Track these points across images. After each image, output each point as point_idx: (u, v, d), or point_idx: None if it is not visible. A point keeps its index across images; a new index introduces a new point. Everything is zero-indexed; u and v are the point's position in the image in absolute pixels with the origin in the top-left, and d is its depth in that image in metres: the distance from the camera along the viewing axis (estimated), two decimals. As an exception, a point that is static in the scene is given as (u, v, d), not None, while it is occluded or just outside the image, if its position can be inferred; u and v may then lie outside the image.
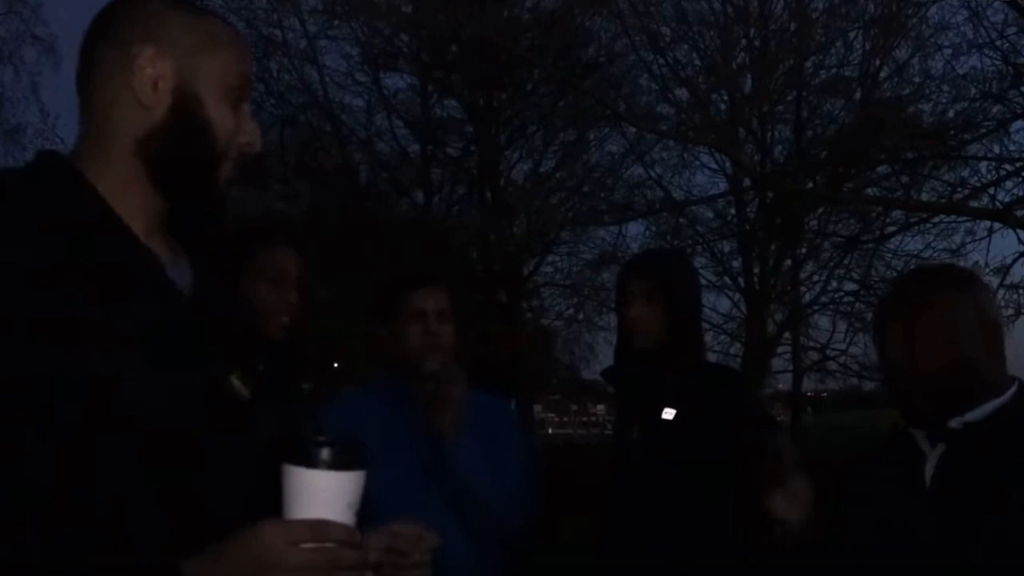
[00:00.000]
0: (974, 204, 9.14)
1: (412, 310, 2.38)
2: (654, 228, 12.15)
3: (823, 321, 12.53)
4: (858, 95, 10.60)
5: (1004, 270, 8.92)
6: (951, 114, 9.84)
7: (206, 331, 1.24)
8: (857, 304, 11.81)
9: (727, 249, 12.21)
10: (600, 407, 19.24)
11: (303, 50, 12.57)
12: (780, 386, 14.60)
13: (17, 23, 13.32)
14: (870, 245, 11.33)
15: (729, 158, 10.89)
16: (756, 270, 11.75)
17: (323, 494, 1.11)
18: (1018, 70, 8.99)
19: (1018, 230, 8.40)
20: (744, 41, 10.24)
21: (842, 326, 12.13)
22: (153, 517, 1.12)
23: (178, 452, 1.15)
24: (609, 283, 11.37)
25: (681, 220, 12.08)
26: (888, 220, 11.06)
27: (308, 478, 1.10)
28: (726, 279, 12.20)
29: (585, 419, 23.06)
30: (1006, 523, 1.61)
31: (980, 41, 9.07)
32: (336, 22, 11.70)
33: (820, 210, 11.41)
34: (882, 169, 10.71)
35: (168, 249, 1.27)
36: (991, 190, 9.09)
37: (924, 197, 10.03)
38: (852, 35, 10.29)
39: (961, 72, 9.64)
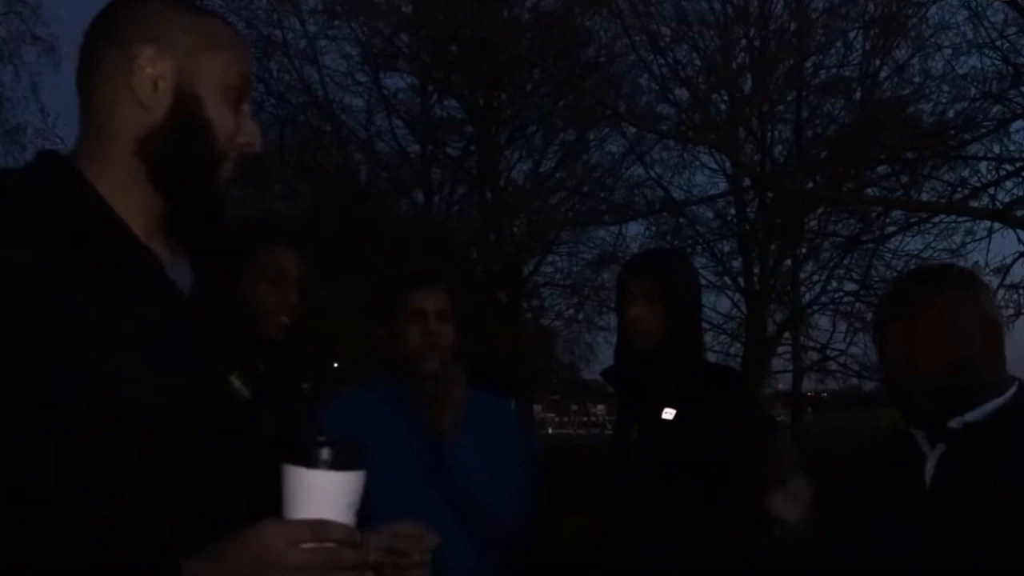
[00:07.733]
0: (974, 204, 9.15)
1: (412, 310, 2.38)
2: (654, 228, 12.15)
3: (823, 321, 12.52)
4: (858, 95, 10.60)
5: (1004, 270, 8.94)
6: (951, 114, 9.86)
7: (206, 331, 1.24)
8: (857, 304, 11.80)
9: (727, 249, 12.22)
10: (600, 407, 19.23)
11: (303, 50, 12.59)
12: (780, 386, 14.61)
13: (17, 23, 13.33)
14: (870, 245, 11.32)
15: (729, 158, 10.88)
16: (756, 270, 11.74)
17: (323, 494, 1.11)
18: (1018, 70, 8.99)
19: (1018, 230, 8.40)
20: (744, 41, 10.24)
21: (842, 326, 12.12)
22: (153, 517, 1.12)
23: (178, 452, 1.15)
24: (609, 283, 11.36)
25: (681, 220, 12.07)
26: (888, 220, 11.07)
27: (308, 478, 1.10)
28: (726, 279, 12.19)
29: (585, 419, 23.06)
30: (1006, 523, 1.61)
31: (980, 41, 9.09)
32: (336, 22, 11.71)
33: (820, 210, 11.41)
34: (882, 169, 10.71)
35: (168, 249, 1.27)
36: (991, 190, 9.11)
37: (924, 197, 10.04)
38: (852, 35, 10.32)
39: (961, 72, 9.67)
